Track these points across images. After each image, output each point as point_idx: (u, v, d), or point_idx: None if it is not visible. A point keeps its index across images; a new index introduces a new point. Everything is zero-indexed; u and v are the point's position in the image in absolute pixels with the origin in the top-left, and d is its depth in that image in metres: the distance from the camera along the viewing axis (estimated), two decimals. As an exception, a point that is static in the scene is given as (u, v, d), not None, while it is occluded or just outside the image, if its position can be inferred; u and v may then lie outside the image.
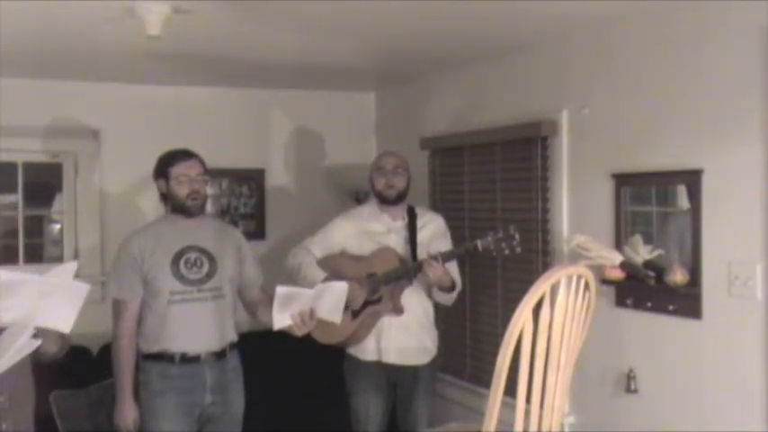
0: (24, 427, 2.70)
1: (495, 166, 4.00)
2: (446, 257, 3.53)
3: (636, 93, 3.20)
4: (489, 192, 4.04)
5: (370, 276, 3.60)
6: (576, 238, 3.26)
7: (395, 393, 3.76)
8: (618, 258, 3.15)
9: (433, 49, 3.80)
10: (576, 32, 3.42)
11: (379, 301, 3.60)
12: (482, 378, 3.98)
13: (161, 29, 2.88)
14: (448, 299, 3.72)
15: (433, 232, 3.74)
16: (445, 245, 3.71)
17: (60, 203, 4.62)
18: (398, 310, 3.61)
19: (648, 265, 3.09)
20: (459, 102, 4.35)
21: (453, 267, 3.68)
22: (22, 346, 2.44)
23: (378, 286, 3.60)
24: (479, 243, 3.50)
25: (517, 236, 3.45)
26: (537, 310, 2.02)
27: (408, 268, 3.57)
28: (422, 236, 3.70)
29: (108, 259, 4.35)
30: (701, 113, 2.92)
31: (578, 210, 3.53)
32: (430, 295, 3.73)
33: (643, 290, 3.14)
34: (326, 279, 3.56)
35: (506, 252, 3.47)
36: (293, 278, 3.69)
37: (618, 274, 3.16)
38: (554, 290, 2.06)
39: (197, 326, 3.23)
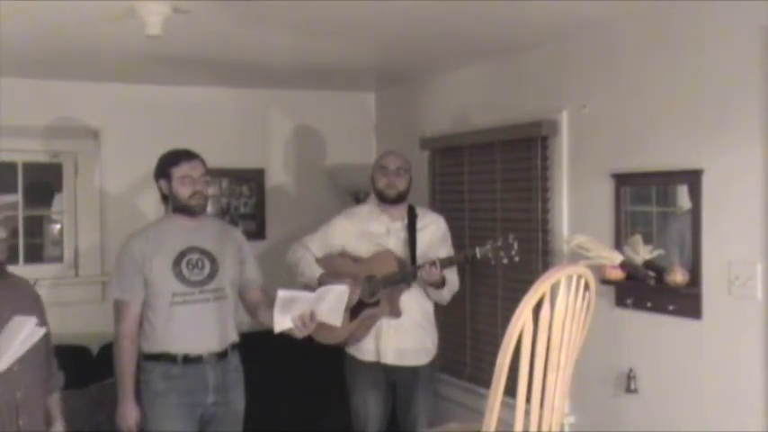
0: (38, 426, 2.71)
1: (495, 166, 4.00)
2: (444, 264, 3.54)
3: (636, 93, 3.20)
4: (489, 192, 4.03)
5: (369, 279, 3.60)
6: (575, 239, 3.25)
7: (395, 393, 3.76)
8: (618, 258, 3.15)
9: (433, 49, 3.80)
10: (575, 33, 3.42)
11: (377, 304, 3.60)
12: (482, 378, 3.98)
13: (161, 29, 2.88)
14: (440, 296, 3.71)
15: (433, 235, 3.74)
16: (445, 249, 3.71)
17: (60, 203, 4.61)
18: (396, 313, 3.60)
19: (648, 265, 3.09)
20: (459, 102, 4.35)
21: (451, 268, 3.68)
22: (27, 336, 2.47)
23: (376, 289, 3.60)
24: (478, 251, 3.50)
25: (516, 245, 3.45)
26: (537, 310, 2.02)
27: (407, 273, 3.57)
28: (421, 238, 3.69)
29: (108, 259, 4.36)
30: (701, 113, 2.92)
31: (578, 210, 3.53)
32: (429, 295, 3.72)
33: (643, 290, 3.13)
34: (324, 277, 3.57)
35: (504, 261, 3.48)
36: (291, 273, 3.71)
37: (618, 274, 3.16)
38: (554, 290, 2.05)
39: (199, 327, 3.23)
